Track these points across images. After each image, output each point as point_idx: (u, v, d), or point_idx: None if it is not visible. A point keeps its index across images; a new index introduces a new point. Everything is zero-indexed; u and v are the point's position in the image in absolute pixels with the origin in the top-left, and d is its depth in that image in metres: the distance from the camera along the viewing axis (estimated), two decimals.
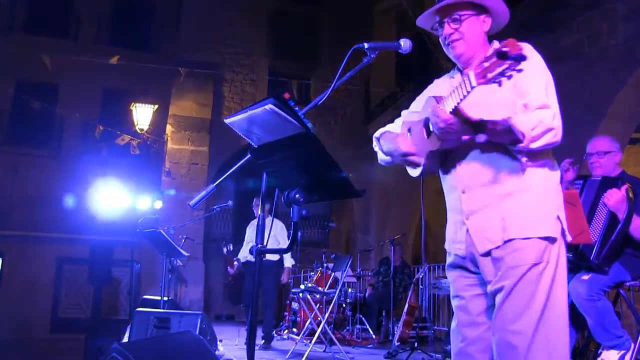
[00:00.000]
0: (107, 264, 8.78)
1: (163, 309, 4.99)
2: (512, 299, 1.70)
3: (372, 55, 1.87)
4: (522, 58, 1.47)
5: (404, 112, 2.11)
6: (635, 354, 3.09)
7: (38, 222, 11.63)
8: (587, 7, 6.36)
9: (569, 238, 1.81)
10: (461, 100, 1.65)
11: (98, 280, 8.90)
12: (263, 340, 5.94)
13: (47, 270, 11.87)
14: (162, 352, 2.70)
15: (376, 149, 2.10)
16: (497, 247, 1.75)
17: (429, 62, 9.96)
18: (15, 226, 11.59)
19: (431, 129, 1.79)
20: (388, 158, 2.04)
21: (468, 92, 1.62)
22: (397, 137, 1.99)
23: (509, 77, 1.52)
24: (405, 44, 1.91)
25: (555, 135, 1.69)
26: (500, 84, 1.54)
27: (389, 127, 2.11)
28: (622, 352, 3.07)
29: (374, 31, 13.45)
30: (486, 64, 1.53)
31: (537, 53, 1.82)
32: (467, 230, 1.83)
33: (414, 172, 1.97)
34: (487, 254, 1.78)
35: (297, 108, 1.47)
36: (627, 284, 3.25)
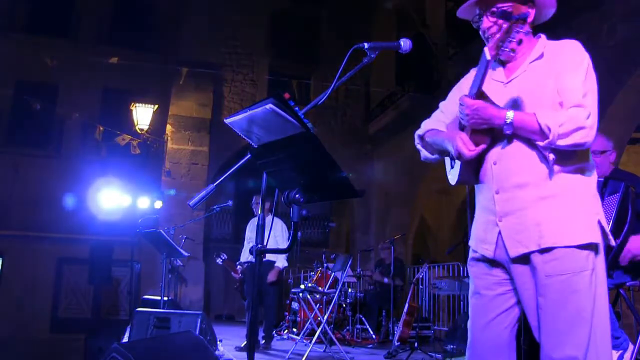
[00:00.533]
0: (107, 264, 8.76)
1: (163, 309, 4.99)
2: (560, 309, 1.66)
3: (372, 55, 1.86)
4: (523, 15, 1.51)
5: (441, 104, 2.06)
6: (635, 354, 3.10)
7: (38, 222, 11.62)
8: (587, 8, 6.37)
9: (612, 242, 1.76)
10: (481, 80, 1.64)
11: (98, 280, 8.88)
12: (263, 341, 5.94)
13: (47, 270, 11.84)
14: (162, 352, 2.70)
15: (419, 147, 2.04)
16: (533, 252, 1.70)
17: (429, 62, 9.96)
18: (15, 226, 11.58)
19: (461, 124, 1.78)
20: (435, 156, 1.99)
21: (485, 69, 1.61)
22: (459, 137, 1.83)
23: (519, 42, 1.54)
24: (405, 44, 1.90)
25: (586, 136, 1.64)
26: (513, 50, 1.55)
27: (431, 123, 2.02)
28: (621, 352, 3.07)
29: (374, 31, 13.46)
30: (497, 35, 1.54)
31: (586, 53, 1.77)
32: (499, 232, 1.77)
33: (452, 179, 1.93)
34: (519, 258, 1.73)
35: (297, 108, 1.47)
36: (628, 284, 3.25)
